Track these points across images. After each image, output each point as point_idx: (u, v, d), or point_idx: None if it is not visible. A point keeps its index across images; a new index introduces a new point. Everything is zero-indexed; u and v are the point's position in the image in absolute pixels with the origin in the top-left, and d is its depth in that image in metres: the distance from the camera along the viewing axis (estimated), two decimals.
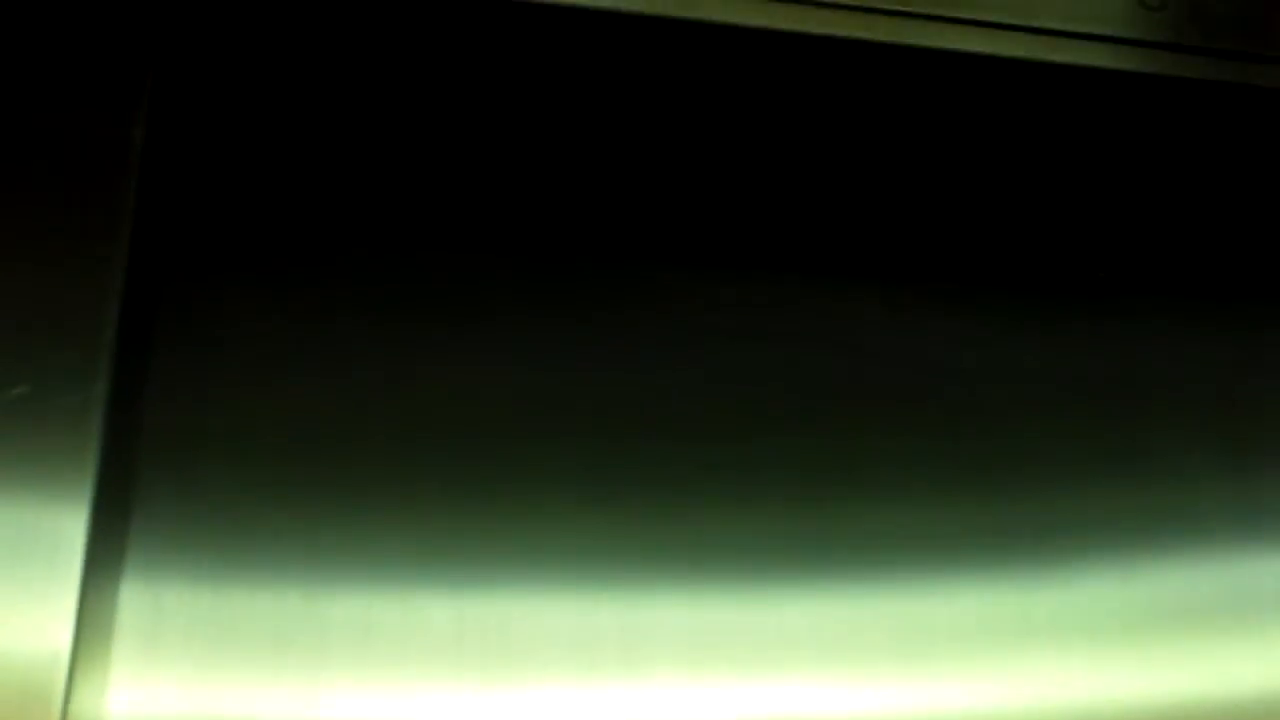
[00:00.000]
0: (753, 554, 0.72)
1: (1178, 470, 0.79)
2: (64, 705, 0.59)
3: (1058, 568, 0.75)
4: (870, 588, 0.72)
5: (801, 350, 0.77)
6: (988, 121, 0.79)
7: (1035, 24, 0.74)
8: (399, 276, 0.74)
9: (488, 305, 0.75)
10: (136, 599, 0.64)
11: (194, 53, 0.71)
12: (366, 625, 0.66)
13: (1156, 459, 0.79)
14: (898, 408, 0.77)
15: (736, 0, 0.72)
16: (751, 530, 0.73)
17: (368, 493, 0.69)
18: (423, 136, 0.76)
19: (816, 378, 0.76)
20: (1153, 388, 0.81)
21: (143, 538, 0.65)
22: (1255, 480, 0.80)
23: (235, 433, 0.69)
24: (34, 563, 0.61)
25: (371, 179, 0.75)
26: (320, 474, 0.69)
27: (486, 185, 0.77)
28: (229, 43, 0.71)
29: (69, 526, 0.62)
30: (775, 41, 0.72)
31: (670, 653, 0.68)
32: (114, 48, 0.69)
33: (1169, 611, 0.75)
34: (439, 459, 0.71)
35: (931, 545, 0.74)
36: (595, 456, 0.72)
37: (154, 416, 0.68)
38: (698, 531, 0.72)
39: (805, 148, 0.80)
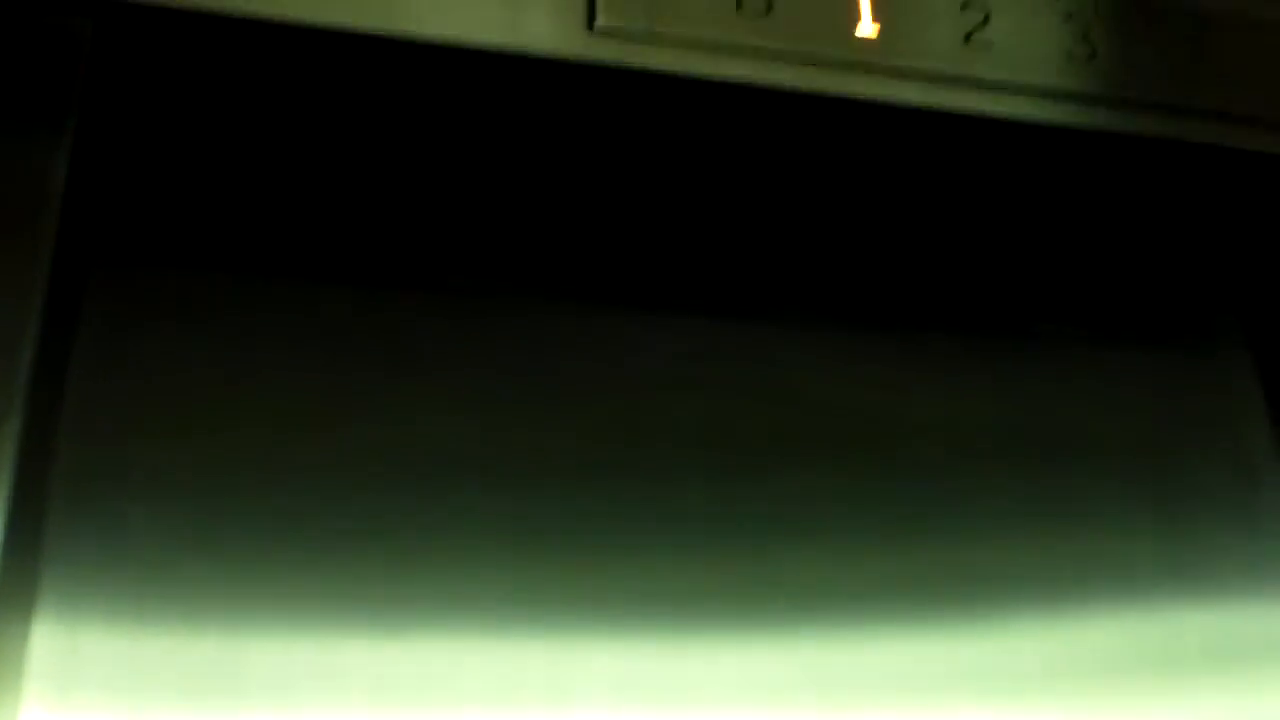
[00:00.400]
0: (680, 601, 0.70)
1: (1106, 523, 0.79)
2: None
3: (984, 617, 0.74)
4: (797, 635, 0.70)
5: (732, 398, 0.76)
6: (924, 172, 0.79)
7: (972, 74, 0.75)
8: (323, 321, 0.73)
9: (414, 351, 0.74)
10: (50, 640, 0.61)
11: (118, 89, 0.70)
12: (285, 669, 0.63)
13: (1085, 511, 0.79)
14: (826, 456, 0.76)
15: (678, 50, 0.72)
16: (679, 578, 0.71)
17: (287, 536, 0.67)
18: (350, 176, 0.75)
19: (747, 426, 0.75)
20: (1083, 441, 0.81)
21: (57, 579, 0.63)
22: (1182, 534, 0.79)
23: (153, 474, 0.67)
24: None
25: (297, 218, 0.74)
26: (240, 517, 0.67)
27: (413, 232, 0.76)
28: (152, 81, 0.71)
29: None
30: (715, 91, 0.72)
31: (595, 699, 0.66)
32: (37, 82, 0.68)
33: (1094, 662, 0.74)
34: (361, 503, 0.69)
35: (858, 593, 0.73)
36: (522, 503, 0.71)
37: (70, 456, 0.66)
38: (625, 579, 0.70)
39: (743, 197, 0.80)
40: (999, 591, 0.76)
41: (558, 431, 0.74)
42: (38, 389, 0.64)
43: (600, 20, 0.70)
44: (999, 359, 0.82)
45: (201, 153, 0.74)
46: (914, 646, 0.72)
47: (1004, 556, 0.77)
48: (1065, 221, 0.83)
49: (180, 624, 0.63)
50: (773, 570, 0.73)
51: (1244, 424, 0.86)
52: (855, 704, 0.70)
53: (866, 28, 0.74)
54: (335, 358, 0.73)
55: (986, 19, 0.76)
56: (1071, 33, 0.77)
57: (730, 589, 0.72)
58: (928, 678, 0.72)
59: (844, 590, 0.73)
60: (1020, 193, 0.81)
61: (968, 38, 0.75)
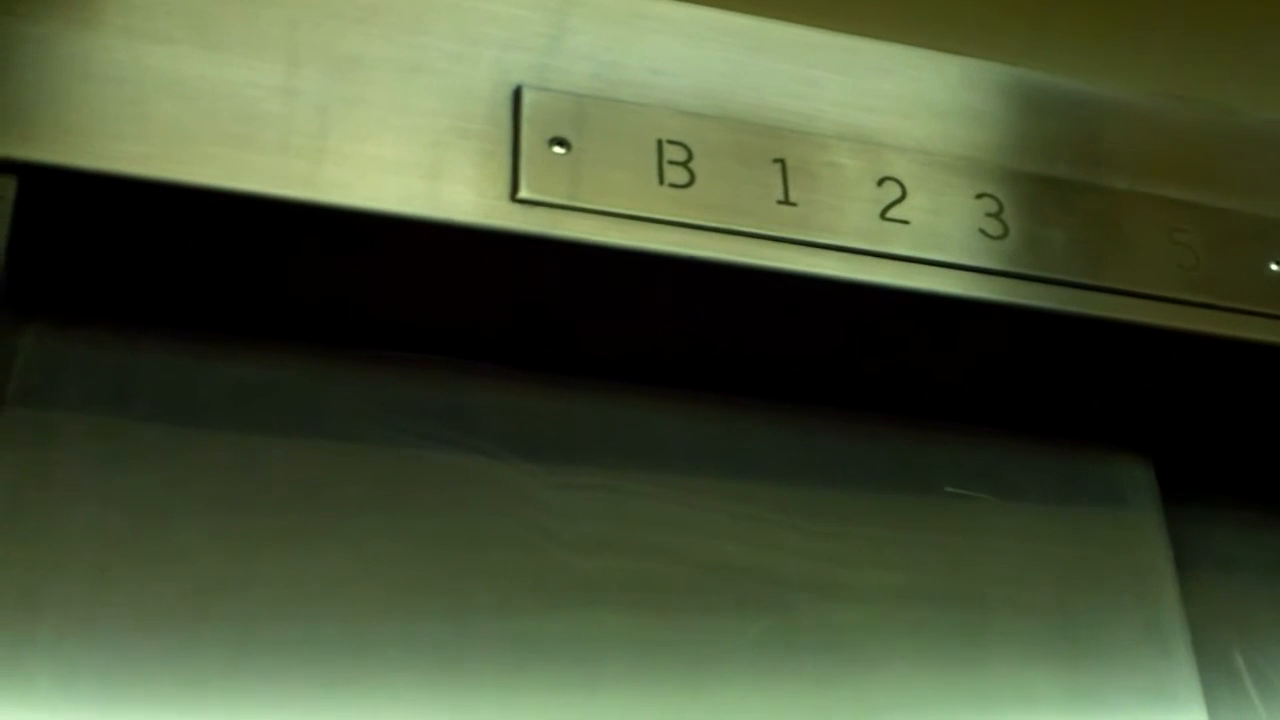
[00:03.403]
0: None
1: (1012, 685, 0.80)
2: None
3: None
4: None
5: (645, 558, 0.77)
6: (839, 339, 0.81)
7: (887, 249, 0.77)
8: (240, 475, 0.73)
9: (330, 504, 0.74)
10: None
11: (46, 248, 0.71)
12: None
13: (992, 673, 0.80)
14: (738, 611, 0.77)
15: (600, 220, 0.73)
16: (591, 709, 0.72)
17: (203, 701, 0.67)
18: (270, 337, 0.76)
19: (658, 584, 0.77)
20: (990, 602, 0.82)
21: None
22: (1089, 699, 0.81)
23: (63, 633, 0.67)
24: None
25: (218, 375, 0.75)
26: (153, 677, 0.67)
27: (330, 386, 0.77)
28: (80, 239, 0.71)
29: None
30: (636, 261, 0.74)
31: None
32: None
33: None
34: (275, 656, 0.70)
35: None
36: (437, 657, 0.72)
37: None
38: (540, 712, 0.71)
39: (656, 361, 0.81)
40: None
41: (476, 589, 0.75)
42: None
43: (523, 191, 0.72)
44: (910, 520, 0.84)
45: (126, 310, 0.75)
46: None
47: (911, 713, 0.78)
48: (976, 386, 0.85)
49: None
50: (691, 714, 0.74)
51: (1153, 584, 0.87)
52: None
53: (785, 202, 0.76)
54: (252, 511, 0.74)
55: (902, 196, 0.78)
56: (984, 211, 0.79)
57: None
58: None
59: None
60: (933, 361, 0.82)
61: (884, 214, 0.77)
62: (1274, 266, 0.83)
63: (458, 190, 0.71)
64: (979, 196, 0.79)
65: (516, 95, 0.74)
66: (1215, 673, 0.87)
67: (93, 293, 0.74)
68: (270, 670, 0.70)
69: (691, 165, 0.75)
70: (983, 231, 0.78)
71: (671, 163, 0.75)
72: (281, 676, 0.70)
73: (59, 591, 0.68)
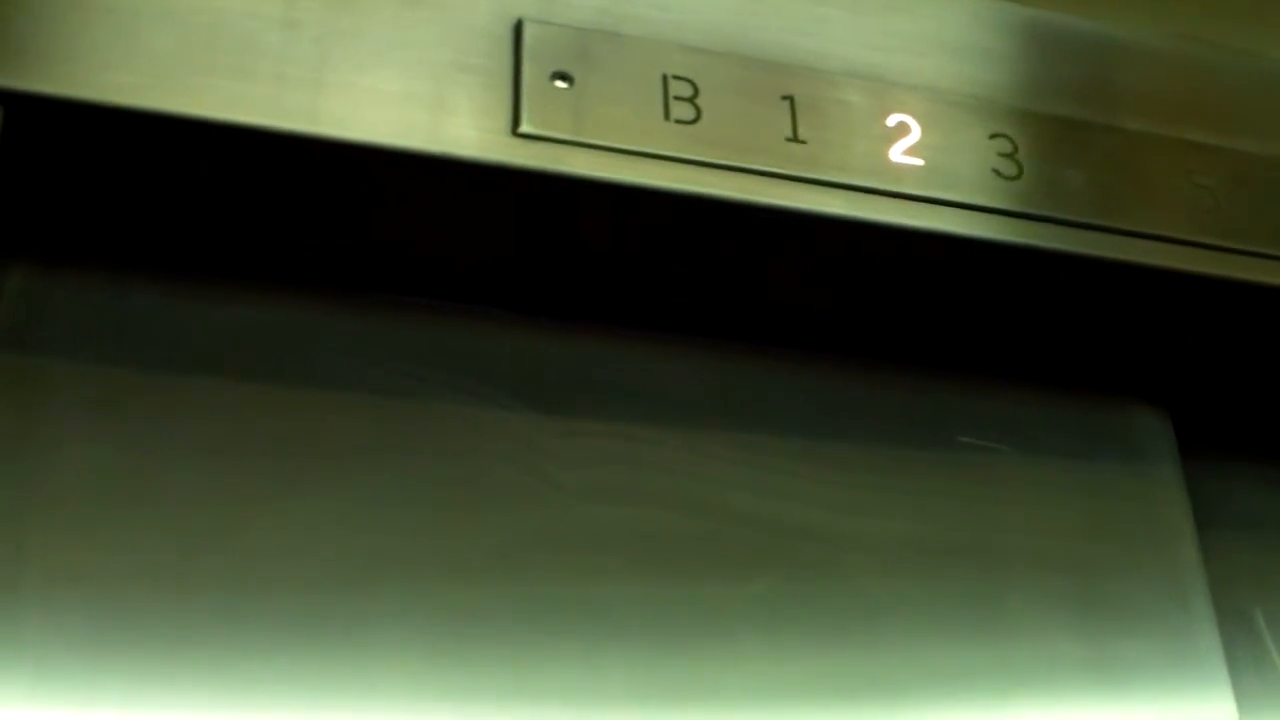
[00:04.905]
0: (598, 702, 0.69)
1: (1029, 637, 0.78)
2: None
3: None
4: None
5: (656, 509, 0.75)
6: (849, 282, 0.79)
7: (899, 189, 0.75)
8: (235, 421, 0.71)
9: (333, 453, 0.72)
10: None
11: (35, 178, 0.69)
12: None
13: (1008, 625, 0.78)
14: (750, 565, 0.75)
15: (603, 156, 0.71)
16: (597, 679, 0.70)
17: (191, 645, 0.65)
18: (262, 274, 0.74)
19: (665, 534, 0.75)
20: (1006, 554, 0.80)
21: None
22: (1106, 652, 0.79)
23: (51, 580, 0.65)
24: None
25: (208, 315, 0.73)
26: (144, 626, 0.65)
27: (333, 332, 0.75)
28: (68, 170, 0.69)
29: None
30: (640, 197, 0.72)
31: None
32: None
33: None
34: (274, 608, 0.68)
35: (782, 698, 0.72)
36: (441, 605, 0.69)
37: None
38: (547, 680, 0.69)
39: (664, 304, 0.79)
40: (919, 701, 0.75)
41: (479, 536, 0.73)
42: None
43: (525, 125, 0.70)
44: (923, 471, 0.82)
45: (116, 249, 0.73)
46: None
47: (924, 668, 0.76)
48: (990, 332, 0.83)
49: None
50: (696, 675, 0.72)
51: (1172, 540, 0.85)
52: None
53: (794, 139, 0.74)
54: (246, 457, 0.72)
55: (914, 135, 0.76)
56: (998, 151, 0.77)
57: (652, 692, 0.71)
58: None
59: (768, 695, 0.72)
60: (944, 304, 0.81)
61: (895, 152, 0.75)
62: None
63: (458, 124, 0.69)
64: (993, 136, 0.77)
65: (518, 28, 0.72)
66: (1236, 630, 0.84)
67: (82, 230, 0.72)
68: (263, 620, 0.68)
69: (698, 101, 0.73)
70: (996, 172, 0.76)
71: (677, 98, 0.73)
72: (275, 626, 0.68)
73: (46, 537, 0.66)
